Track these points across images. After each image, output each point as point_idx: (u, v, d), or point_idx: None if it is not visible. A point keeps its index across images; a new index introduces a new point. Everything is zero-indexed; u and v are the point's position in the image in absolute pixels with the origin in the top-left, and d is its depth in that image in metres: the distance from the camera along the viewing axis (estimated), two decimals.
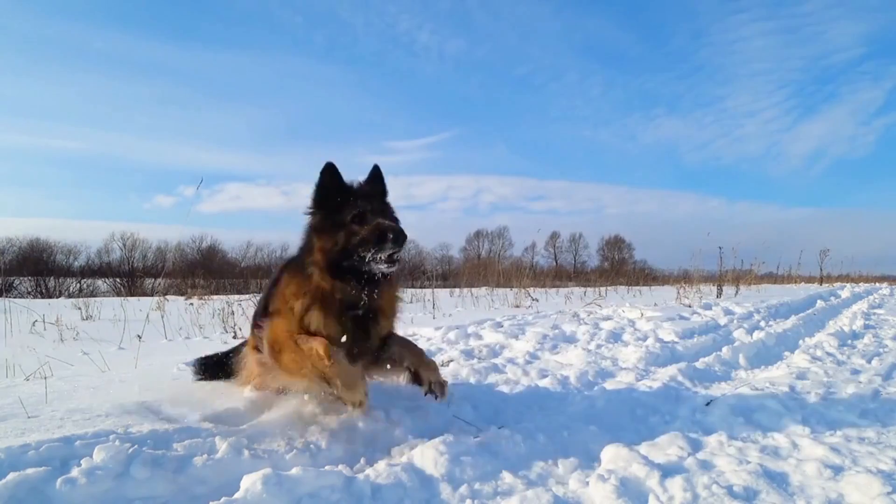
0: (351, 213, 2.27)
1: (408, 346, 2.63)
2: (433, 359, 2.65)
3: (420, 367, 2.51)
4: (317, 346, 2.18)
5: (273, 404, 2.57)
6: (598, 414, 2.84)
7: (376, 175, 2.53)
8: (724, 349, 4.76)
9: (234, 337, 5.90)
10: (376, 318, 2.45)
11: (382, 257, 2.20)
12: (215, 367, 3.16)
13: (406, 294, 13.76)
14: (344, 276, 2.27)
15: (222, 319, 6.93)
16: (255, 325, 2.67)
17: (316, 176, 2.38)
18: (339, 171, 2.38)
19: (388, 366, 2.57)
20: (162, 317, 6.99)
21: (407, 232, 2.26)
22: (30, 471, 1.72)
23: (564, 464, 2.16)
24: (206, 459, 1.96)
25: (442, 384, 2.46)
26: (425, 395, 2.47)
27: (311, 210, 2.40)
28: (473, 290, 14.23)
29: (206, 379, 3.13)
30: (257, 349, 2.60)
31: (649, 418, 2.84)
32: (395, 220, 2.39)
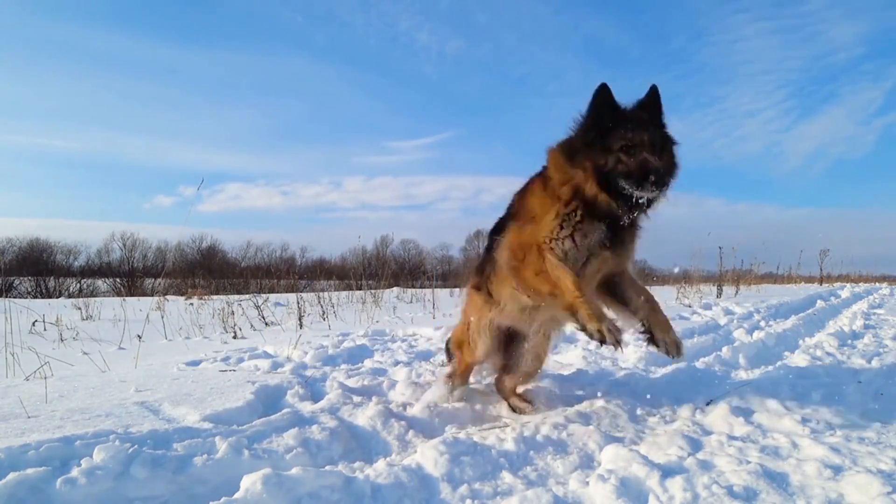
0: (620, 142, 2.26)
1: (648, 298, 2.58)
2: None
3: (655, 325, 2.52)
4: (564, 276, 2.27)
5: (274, 404, 2.57)
6: (598, 414, 2.84)
7: (653, 99, 2.45)
8: (724, 349, 4.76)
9: (235, 337, 5.90)
10: (623, 244, 2.47)
11: (641, 195, 2.24)
12: None
13: (406, 294, 13.77)
14: (610, 191, 2.29)
15: (222, 319, 6.93)
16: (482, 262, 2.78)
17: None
18: (612, 92, 2.36)
19: (623, 307, 2.58)
20: (162, 317, 6.99)
21: (677, 167, 2.34)
22: (30, 471, 1.72)
23: (564, 464, 2.16)
24: (206, 459, 1.96)
25: (677, 344, 2.49)
26: (661, 354, 2.51)
27: (582, 126, 2.39)
28: None
29: None
30: (477, 288, 2.79)
31: (649, 418, 2.84)
32: (669, 152, 2.38)
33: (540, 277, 2.35)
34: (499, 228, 2.67)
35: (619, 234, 2.43)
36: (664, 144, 2.38)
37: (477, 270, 2.90)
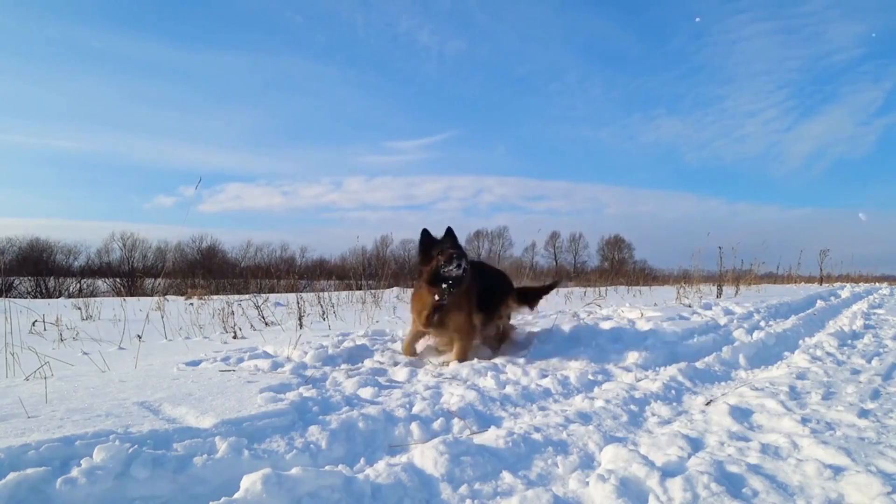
0: (437, 251, 4.02)
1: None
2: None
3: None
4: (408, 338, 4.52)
5: (274, 403, 2.57)
6: (598, 414, 2.84)
7: (450, 233, 4.18)
8: (724, 349, 4.76)
9: (235, 337, 5.90)
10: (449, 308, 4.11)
11: (451, 269, 3.91)
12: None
13: (406, 294, 13.77)
14: (437, 283, 3.97)
15: (222, 319, 6.92)
16: None
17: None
18: (430, 232, 4.22)
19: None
20: (162, 317, 6.99)
21: (462, 258, 3.98)
22: (30, 471, 1.72)
23: (564, 464, 2.16)
24: (206, 459, 1.96)
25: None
26: None
27: (418, 256, 4.25)
28: None
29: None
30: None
31: (649, 418, 2.84)
32: (459, 250, 4.03)
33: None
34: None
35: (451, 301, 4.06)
36: (457, 246, 4.09)
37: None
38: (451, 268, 3.87)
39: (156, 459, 1.88)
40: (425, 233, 4.18)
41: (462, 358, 4.08)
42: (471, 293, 4.22)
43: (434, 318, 4.08)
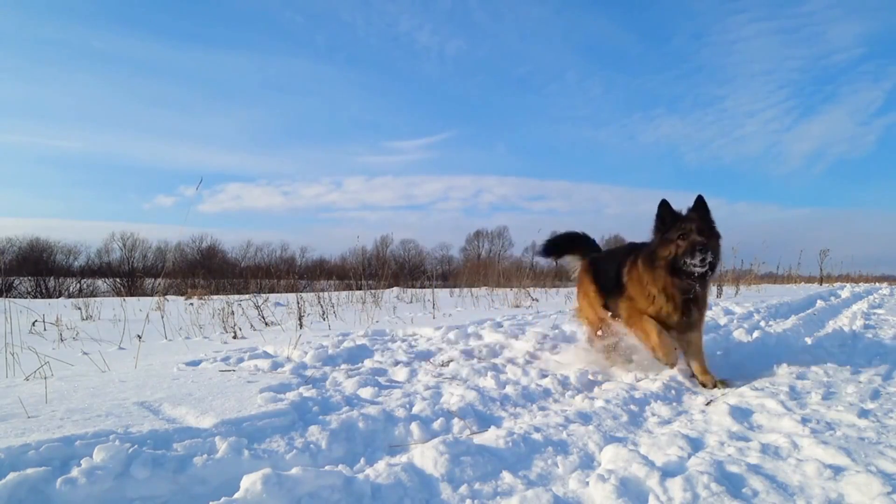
0: (678, 233, 3.33)
1: (697, 351, 3.63)
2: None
3: (695, 369, 3.64)
4: (650, 329, 3.50)
5: (274, 403, 2.57)
6: (598, 414, 2.84)
7: (699, 204, 3.46)
8: (725, 349, 4.76)
9: (235, 337, 5.90)
10: (696, 305, 3.53)
11: (696, 262, 3.25)
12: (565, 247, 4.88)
13: (406, 294, 13.78)
14: (678, 274, 3.36)
15: (222, 319, 6.93)
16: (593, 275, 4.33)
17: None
18: (670, 203, 3.47)
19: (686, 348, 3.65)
20: (162, 317, 6.99)
21: (716, 246, 3.36)
22: (30, 471, 1.72)
23: (564, 464, 2.16)
24: (206, 459, 1.96)
25: (704, 383, 3.50)
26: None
27: (655, 228, 3.52)
28: (473, 290, 14.24)
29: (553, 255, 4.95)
30: (587, 294, 4.35)
31: (649, 418, 2.84)
32: (712, 237, 3.37)
33: (637, 329, 3.66)
34: (615, 275, 3.89)
35: (695, 297, 3.49)
36: (709, 231, 3.38)
37: (595, 277, 4.29)
38: (693, 261, 3.21)
39: (156, 459, 1.88)
40: (665, 205, 3.42)
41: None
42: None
43: (684, 316, 3.46)
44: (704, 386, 3.43)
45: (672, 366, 3.47)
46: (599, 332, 4.25)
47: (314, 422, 2.43)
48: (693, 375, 3.58)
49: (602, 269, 4.22)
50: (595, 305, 4.23)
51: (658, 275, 3.41)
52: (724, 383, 3.47)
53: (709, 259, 3.20)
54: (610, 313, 4.03)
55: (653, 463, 2.02)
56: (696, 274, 3.25)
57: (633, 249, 3.82)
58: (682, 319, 3.45)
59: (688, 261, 3.22)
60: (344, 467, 2.04)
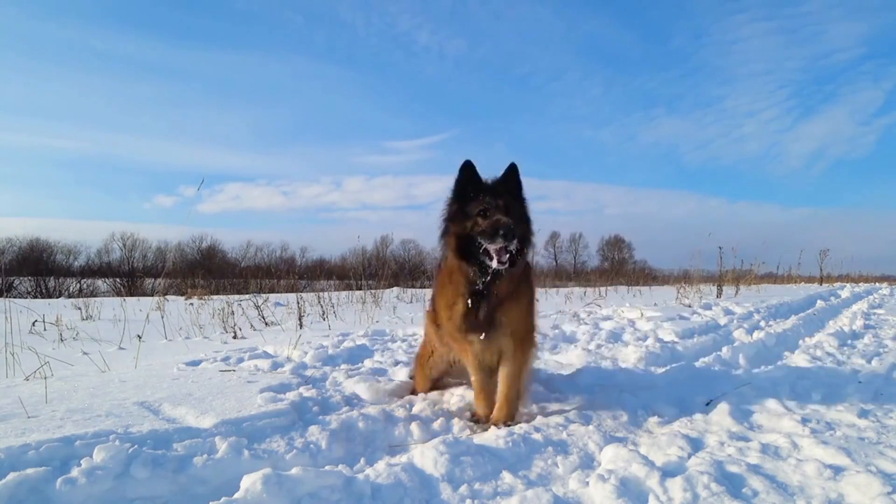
0: (479, 207, 2.53)
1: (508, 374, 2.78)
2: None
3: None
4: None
5: (274, 403, 2.57)
6: (598, 414, 2.84)
7: (511, 174, 2.71)
8: (724, 349, 4.76)
9: (235, 337, 5.90)
10: (496, 301, 2.64)
11: (494, 249, 2.45)
12: None
13: (406, 294, 13.78)
14: (468, 257, 2.55)
15: (222, 319, 6.93)
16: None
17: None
18: (476, 168, 2.63)
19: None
20: (162, 317, 6.99)
21: (525, 233, 2.58)
22: (30, 471, 1.72)
23: (564, 464, 2.16)
24: (206, 459, 1.96)
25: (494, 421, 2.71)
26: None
27: (451, 196, 2.67)
28: None
29: None
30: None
31: (649, 418, 2.84)
32: (521, 221, 2.62)
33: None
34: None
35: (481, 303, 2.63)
36: (520, 210, 2.66)
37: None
38: (493, 244, 2.42)
39: (156, 459, 1.88)
40: (468, 167, 2.62)
41: (521, 394, 2.78)
42: (531, 277, 2.91)
43: (478, 314, 2.62)
44: (491, 423, 2.65)
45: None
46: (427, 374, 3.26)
47: (314, 422, 2.43)
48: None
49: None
50: (430, 333, 3.19)
51: (448, 255, 2.65)
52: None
53: (511, 248, 2.44)
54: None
55: (653, 463, 2.02)
56: (491, 267, 2.48)
57: None
58: (468, 319, 2.62)
59: (486, 245, 2.46)
60: (344, 467, 2.04)
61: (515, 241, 2.43)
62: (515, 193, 2.69)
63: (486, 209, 2.50)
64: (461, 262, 2.56)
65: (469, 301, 2.59)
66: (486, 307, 2.60)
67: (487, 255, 2.47)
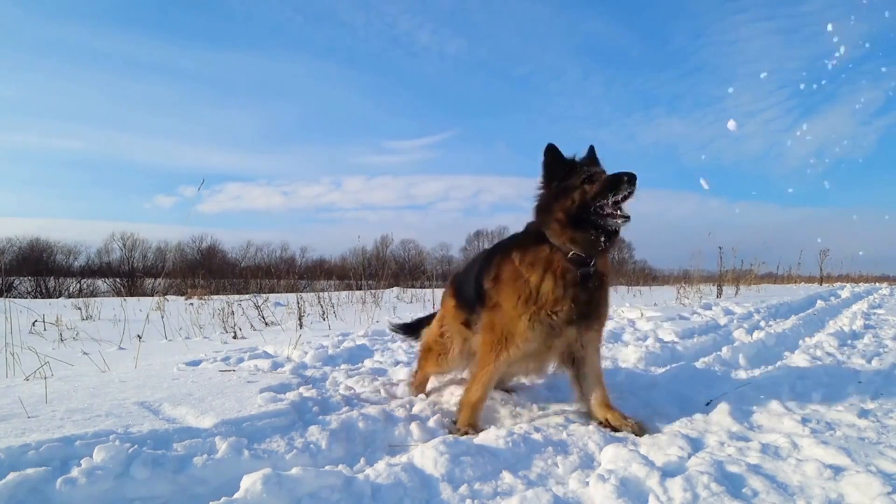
0: (581, 176, 2.48)
1: (594, 372, 2.77)
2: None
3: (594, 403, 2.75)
4: (487, 374, 2.65)
5: (274, 403, 2.57)
6: None
7: (592, 154, 2.68)
8: (724, 349, 4.76)
9: (235, 337, 5.90)
10: (599, 290, 2.62)
11: (618, 200, 2.38)
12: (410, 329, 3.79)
13: (406, 294, 13.77)
14: (587, 226, 2.46)
15: (222, 319, 6.93)
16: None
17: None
18: (559, 149, 2.60)
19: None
20: (162, 317, 6.99)
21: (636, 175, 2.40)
22: (30, 471, 1.72)
23: (564, 464, 2.16)
24: (206, 459, 1.96)
25: (616, 426, 2.62)
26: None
27: (543, 180, 2.62)
28: None
29: (404, 335, 3.87)
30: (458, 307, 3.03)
31: (649, 418, 2.84)
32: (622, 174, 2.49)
33: (481, 370, 2.69)
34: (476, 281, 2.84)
35: (588, 289, 2.55)
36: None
37: (456, 292, 3.09)
38: (616, 195, 2.37)
39: (156, 459, 1.88)
40: (552, 150, 2.57)
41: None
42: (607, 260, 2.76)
43: (581, 299, 2.52)
44: (614, 429, 2.58)
45: (466, 433, 2.50)
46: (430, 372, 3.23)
47: (314, 422, 2.43)
48: (590, 413, 2.73)
49: (465, 277, 3.13)
50: (448, 326, 3.10)
51: (541, 250, 2.53)
52: (641, 427, 2.57)
53: (633, 192, 2.39)
54: (467, 334, 2.97)
55: (653, 463, 2.02)
56: (616, 224, 2.42)
57: (505, 243, 2.89)
58: (573, 309, 2.51)
59: (608, 200, 2.38)
60: (344, 467, 2.04)
61: (636, 186, 2.37)
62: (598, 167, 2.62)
63: (591, 175, 2.47)
64: (577, 232, 2.45)
65: (576, 287, 2.49)
66: (590, 291, 2.54)
67: (610, 216, 2.40)
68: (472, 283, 2.87)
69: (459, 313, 2.99)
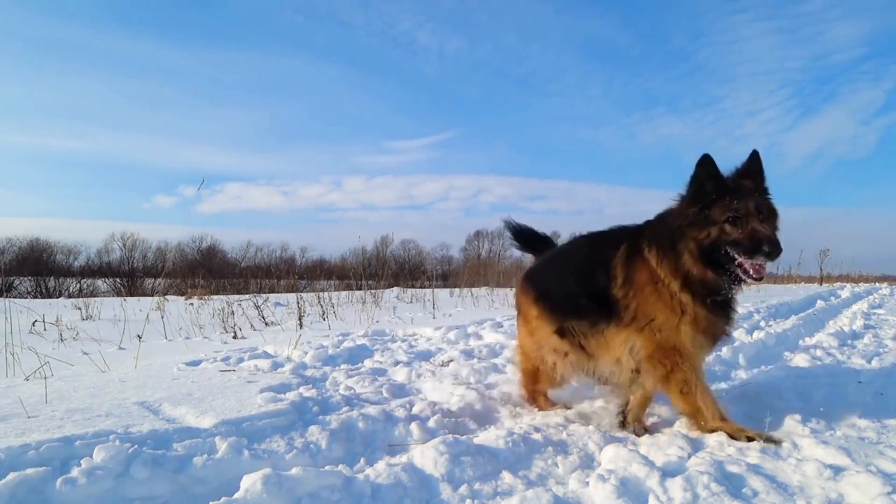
0: (727, 213, 2.27)
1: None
2: None
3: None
4: (709, 404, 2.40)
5: (274, 403, 2.57)
6: (598, 414, 2.84)
7: (754, 164, 2.43)
8: (724, 349, 4.75)
9: (235, 337, 5.90)
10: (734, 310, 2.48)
11: (755, 263, 2.22)
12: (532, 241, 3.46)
13: (406, 294, 13.78)
14: (714, 266, 2.31)
15: (222, 319, 6.93)
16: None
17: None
18: (715, 162, 2.35)
19: None
20: (162, 317, 6.99)
21: (781, 245, 2.22)
22: (30, 471, 1.72)
23: (564, 464, 2.16)
24: (206, 459, 1.96)
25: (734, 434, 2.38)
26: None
27: (688, 197, 2.40)
28: (473, 290, 14.23)
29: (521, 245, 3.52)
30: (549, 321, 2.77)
31: (649, 418, 2.84)
32: (771, 218, 2.35)
33: (683, 397, 2.45)
34: (586, 279, 2.60)
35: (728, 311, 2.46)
36: (770, 214, 2.36)
37: (541, 294, 2.85)
38: (750, 261, 2.23)
39: (156, 459, 1.88)
40: (706, 162, 2.34)
41: None
42: None
43: (723, 323, 2.46)
44: (732, 437, 2.34)
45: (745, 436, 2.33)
46: (540, 388, 3.00)
47: (314, 422, 2.43)
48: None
49: (554, 275, 2.90)
50: (553, 344, 2.79)
51: (679, 258, 2.35)
52: (771, 438, 2.31)
53: (774, 260, 2.22)
54: (567, 347, 2.73)
55: (653, 463, 2.02)
56: (743, 279, 2.28)
57: (615, 236, 2.65)
58: (720, 329, 2.44)
59: (739, 258, 2.23)
60: (344, 467, 2.04)
61: (775, 251, 2.17)
62: (762, 189, 2.40)
63: (737, 216, 2.25)
64: (706, 268, 2.31)
65: (713, 309, 2.36)
66: (725, 315, 2.43)
67: (740, 267, 2.24)
68: (575, 283, 2.65)
69: (550, 321, 2.75)
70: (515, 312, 3.19)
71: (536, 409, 2.94)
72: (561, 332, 2.70)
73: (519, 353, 3.13)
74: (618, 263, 2.50)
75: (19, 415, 2.32)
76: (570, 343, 2.69)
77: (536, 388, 3.01)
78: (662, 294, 2.38)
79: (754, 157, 2.41)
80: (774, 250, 2.17)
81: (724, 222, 2.26)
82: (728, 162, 2.45)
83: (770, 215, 2.34)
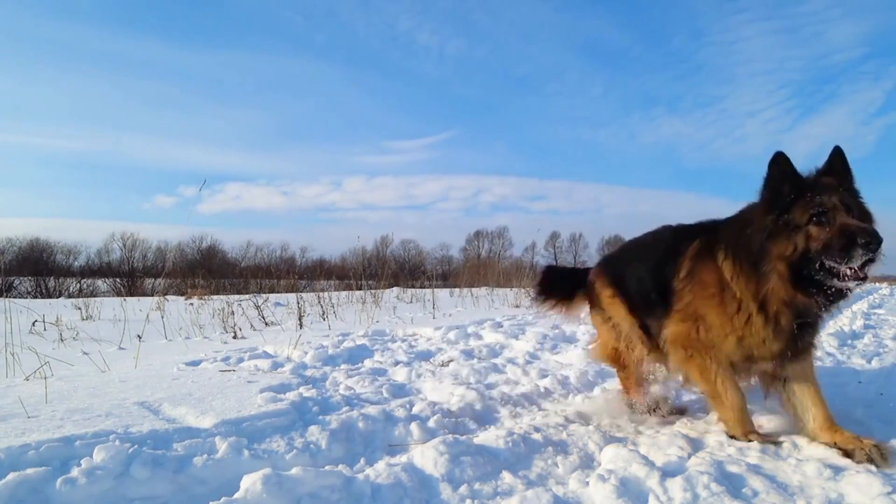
0: (809, 211, 1.97)
1: (811, 390, 2.36)
2: None
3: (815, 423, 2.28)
4: (724, 388, 2.29)
5: (274, 403, 2.57)
6: (598, 414, 2.84)
7: (836, 161, 2.14)
8: None
9: (235, 337, 5.90)
10: (813, 327, 2.24)
11: (851, 265, 1.90)
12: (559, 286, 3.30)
13: (406, 294, 13.78)
14: (807, 285, 2.02)
15: (222, 319, 6.92)
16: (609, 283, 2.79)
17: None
18: (790, 159, 2.07)
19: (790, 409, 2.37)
20: (162, 317, 6.99)
21: (881, 234, 1.90)
22: (30, 471, 1.72)
23: (564, 464, 2.16)
24: (206, 459, 1.96)
25: (850, 453, 2.09)
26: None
27: (763, 202, 2.13)
28: (473, 290, 14.23)
29: (545, 297, 3.32)
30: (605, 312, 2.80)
31: (649, 418, 2.84)
32: (864, 217, 2.03)
33: (706, 383, 2.36)
34: (658, 274, 2.49)
35: (803, 331, 2.19)
36: (862, 208, 2.07)
37: (619, 284, 2.78)
38: (846, 263, 1.92)
39: (156, 459, 1.88)
40: (781, 160, 2.09)
41: None
42: None
43: (797, 340, 2.20)
44: (846, 454, 2.09)
45: (747, 437, 2.27)
46: (638, 383, 2.90)
47: (314, 422, 2.43)
48: (810, 438, 2.29)
49: (631, 269, 2.75)
50: (626, 329, 2.76)
51: (764, 280, 2.08)
52: (882, 451, 2.07)
53: (875, 258, 1.90)
54: (644, 345, 2.70)
55: (653, 463, 2.02)
56: (845, 286, 1.97)
57: (693, 231, 2.48)
58: (783, 349, 2.20)
59: (834, 264, 1.91)
60: (344, 467, 2.04)
61: (876, 247, 1.85)
62: (849, 186, 2.09)
63: (821, 212, 1.95)
64: (796, 292, 2.03)
65: (783, 334, 2.14)
66: (803, 337, 2.19)
67: (837, 276, 1.93)
68: (651, 276, 2.50)
69: (633, 315, 2.67)
70: (590, 307, 3.12)
71: (632, 398, 2.88)
72: (645, 329, 2.66)
73: (601, 353, 3.06)
74: (687, 257, 2.37)
75: (19, 415, 2.32)
76: (641, 333, 2.66)
77: (628, 377, 2.93)
78: (728, 304, 2.20)
79: (836, 153, 2.14)
80: (873, 240, 1.84)
81: (807, 224, 1.97)
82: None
83: (863, 217, 2.03)
